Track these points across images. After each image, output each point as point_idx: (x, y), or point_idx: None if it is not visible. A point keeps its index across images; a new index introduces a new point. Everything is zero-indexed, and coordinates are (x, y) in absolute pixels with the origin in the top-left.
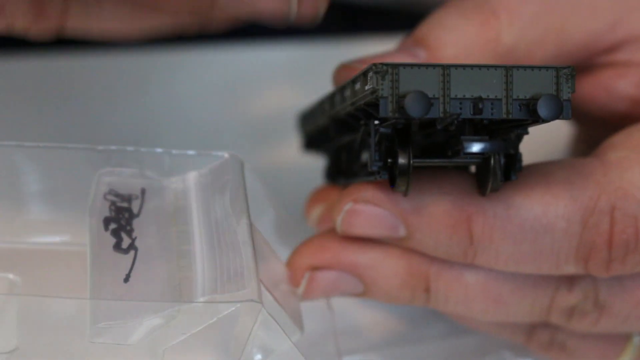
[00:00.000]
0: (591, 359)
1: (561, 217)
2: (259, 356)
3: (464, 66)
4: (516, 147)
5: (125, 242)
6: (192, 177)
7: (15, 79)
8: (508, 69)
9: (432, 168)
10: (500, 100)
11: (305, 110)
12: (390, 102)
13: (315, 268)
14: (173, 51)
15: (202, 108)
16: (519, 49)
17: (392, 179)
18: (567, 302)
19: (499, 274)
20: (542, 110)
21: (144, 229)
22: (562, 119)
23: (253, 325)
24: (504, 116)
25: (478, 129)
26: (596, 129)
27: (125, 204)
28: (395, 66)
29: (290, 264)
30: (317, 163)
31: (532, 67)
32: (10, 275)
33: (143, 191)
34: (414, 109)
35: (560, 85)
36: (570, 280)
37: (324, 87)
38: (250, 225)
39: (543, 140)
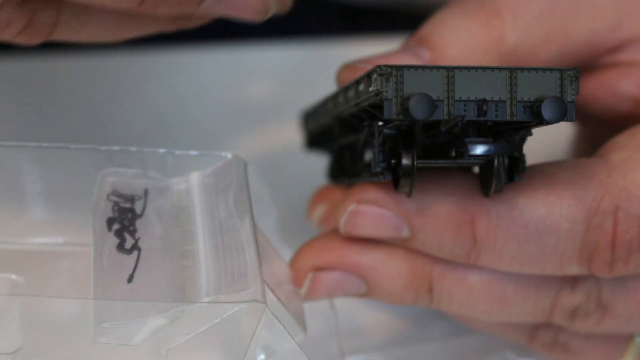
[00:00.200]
0: (594, 359)
1: (565, 218)
2: (262, 356)
3: (468, 68)
4: (520, 149)
5: (129, 242)
6: (195, 177)
7: (17, 79)
8: (512, 71)
9: (436, 169)
10: (504, 102)
11: (309, 109)
12: (394, 104)
13: (318, 268)
14: (176, 51)
15: (204, 108)
16: (523, 49)
17: (396, 179)
18: (570, 303)
19: (502, 274)
20: (546, 112)
21: (147, 230)
22: (566, 120)
23: (257, 326)
24: (508, 118)
25: (482, 131)
26: (599, 129)
27: (128, 205)
28: (400, 68)
29: (293, 264)
30: (319, 163)
31: (536, 69)
32: (13, 276)
33: (146, 191)
34: (418, 111)
35: (565, 87)
36: (573, 281)
37: (326, 87)
38: (254, 226)
39: (546, 141)
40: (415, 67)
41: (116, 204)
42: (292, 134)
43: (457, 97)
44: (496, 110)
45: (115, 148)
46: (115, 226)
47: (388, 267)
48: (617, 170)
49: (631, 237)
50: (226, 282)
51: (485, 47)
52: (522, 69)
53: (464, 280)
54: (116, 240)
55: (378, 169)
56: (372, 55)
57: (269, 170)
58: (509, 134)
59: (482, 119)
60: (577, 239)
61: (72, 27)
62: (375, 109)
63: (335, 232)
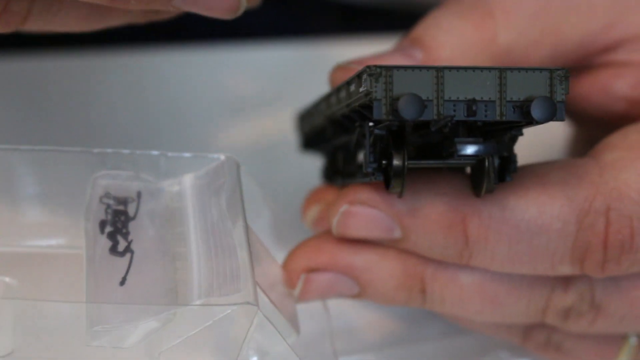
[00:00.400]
0: (587, 359)
1: (556, 218)
2: (254, 358)
3: (457, 68)
4: (510, 149)
5: (122, 245)
6: (188, 179)
7: (8, 81)
8: (502, 71)
9: (427, 169)
10: (494, 102)
11: (303, 110)
12: (384, 104)
13: (311, 270)
14: (172, 51)
15: (200, 109)
16: (515, 50)
17: (387, 180)
18: (563, 303)
19: (494, 274)
20: (536, 112)
21: (140, 232)
22: (556, 120)
23: (249, 328)
24: (498, 118)
25: (472, 131)
26: (593, 129)
27: (121, 207)
28: (389, 68)
29: (286, 265)
30: (313, 165)
31: (525, 69)
32: (6, 279)
33: (139, 194)
34: (407, 111)
35: (554, 87)
36: (566, 281)
37: (323, 87)
38: (247, 227)
39: (539, 141)
40: (405, 68)
41: (109, 206)
42: (288, 135)
43: (446, 97)
44: (486, 110)
45: (108, 150)
46: (108, 229)
47: (380, 268)
48: (609, 170)
49: (623, 237)
50: (218, 285)
51: (478, 48)
52: (512, 69)
53: (456, 280)
54: (109, 243)
55: (369, 170)
56: (365, 56)
57: (262, 172)
58: (499, 134)
59: (471, 119)
60: (568, 239)
61: (44, 17)
62: (365, 110)
63: (327, 234)
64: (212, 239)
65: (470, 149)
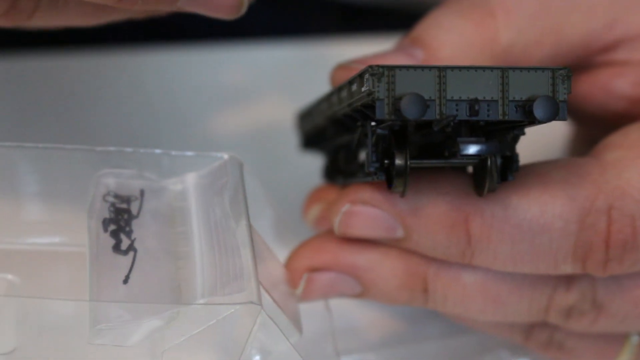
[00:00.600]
0: (589, 358)
1: (558, 217)
2: (257, 357)
3: (460, 68)
4: (513, 148)
5: (125, 243)
6: (191, 178)
7: (12, 79)
8: (504, 71)
9: (429, 169)
10: (496, 101)
11: (304, 109)
12: (386, 104)
13: (313, 269)
14: (173, 50)
15: (201, 108)
16: (516, 49)
17: (390, 180)
18: (565, 302)
19: (497, 274)
20: (538, 111)
21: (143, 230)
22: (558, 120)
23: (252, 327)
24: (500, 117)
25: (474, 130)
26: (594, 128)
27: (124, 205)
28: (392, 68)
29: (288, 265)
30: (315, 164)
31: (528, 69)
32: (9, 276)
33: (142, 192)
34: (410, 111)
35: (556, 86)
36: (568, 280)
37: (323, 87)
38: (249, 227)
39: (540, 140)
40: (407, 67)
41: (112, 204)
42: (289, 134)
43: (449, 97)
44: (488, 110)
45: (111, 149)
46: (111, 227)
47: (383, 267)
48: (611, 169)
49: (625, 236)
50: (222, 284)
51: (478, 47)
52: (514, 69)
53: (458, 280)
54: (112, 241)
55: (371, 169)
56: (366, 56)
57: (264, 171)
58: (502, 133)
59: (474, 118)
60: (570, 238)
61: (50, 13)
62: (367, 109)
63: (330, 233)
64: (215, 238)
65: (472, 149)
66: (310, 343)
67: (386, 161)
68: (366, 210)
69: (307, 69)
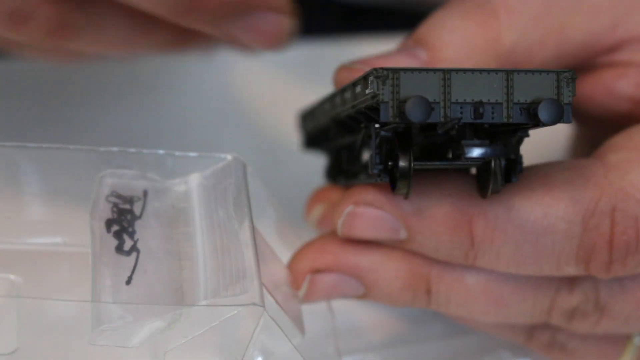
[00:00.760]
0: (591, 359)
1: (562, 219)
2: (259, 359)
3: (464, 70)
4: (517, 150)
5: (128, 244)
6: (194, 179)
7: (17, 79)
8: (509, 73)
9: (433, 170)
10: (501, 104)
11: (306, 109)
12: (391, 107)
13: (316, 271)
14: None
15: (203, 109)
16: (520, 50)
17: (393, 181)
18: (568, 304)
19: (500, 275)
20: (543, 114)
21: (146, 231)
22: (563, 122)
23: (255, 329)
24: (505, 120)
25: (479, 132)
26: (597, 130)
27: (127, 206)
28: (396, 71)
29: (291, 266)
30: (317, 164)
31: (532, 71)
32: (12, 276)
33: (145, 193)
34: (414, 114)
35: (561, 89)
36: (571, 282)
37: (325, 87)
38: (252, 228)
39: (544, 141)
40: (412, 70)
41: (115, 205)
42: (291, 135)
43: (453, 100)
44: (492, 112)
45: (115, 149)
46: (114, 227)
47: (386, 268)
48: (614, 171)
49: (628, 238)
50: (224, 285)
51: (482, 48)
52: (519, 71)
53: (461, 281)
54: (115, 242)
55: (375, 171)
56: (369, 56)
57: (267, 172)
58: (506, 135)
59: (478, 121)
60: (574, 240)
61: (94, 36)
62: (371, 111)
63: (333, 234)
64: (219, 239)
65: (477, 152)
66: (313, 344)
67: (390, 163)
68: (369, 211)
69: (307, 69)
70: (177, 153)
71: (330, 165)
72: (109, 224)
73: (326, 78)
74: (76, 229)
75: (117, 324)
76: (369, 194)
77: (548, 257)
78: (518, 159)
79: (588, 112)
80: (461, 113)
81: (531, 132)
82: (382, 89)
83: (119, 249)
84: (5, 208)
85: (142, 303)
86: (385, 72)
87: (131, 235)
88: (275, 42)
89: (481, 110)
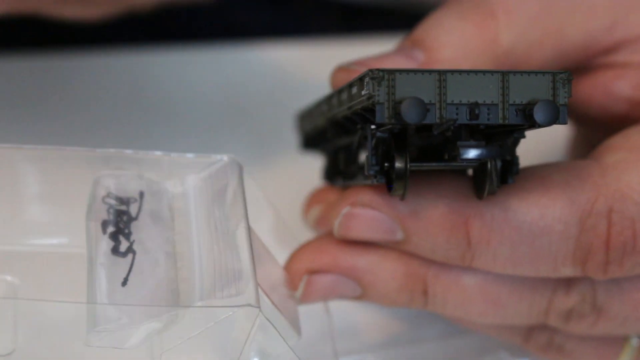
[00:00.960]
0: None
1: (558, 220)
2: None
3: (460, 71)
4: (513, 152)
5: (124, 245)
6: (190, 180)
7: (13, 80)
8: (504, 74)
9: (429, 171)
10: (496, 105)
11: (304, 110)
12: (386, 108)
13: (313, 272)
14: (173, 51)
15: (201, 109)
16: (517, 51)
17: (389, 182)
18: (565, 305)
19: (496, 276)
20: (539, 115)
21: (142, 232)
22: (559, 124)
23: (251, 330)
24: (501, 121)
25: (475, 134)
26: (594, 130)
27: (123, 207)
28: (392, 72)
29: (288, 267)
30: (314, 165)
31: (528, 72)
32: (9, 277)
33: (141, 194)
34: (410, 115)
35: (557, 90)
36: (568, 283)
37: (323, 87)
38: (249, 229)
39: (542, 142)
40: (408, 71)
41: (111, 206)
42: (289, 135)
43: (449, 101)
44: (488, 114)
45: (111, 150)
46: (110, 229)
47: (382, 269)
48: (611, 172)
49: (625, 239)
50: (220, 286)
51: (479, 49)
52: (514, 72)
53: (458, 282)
54: (111, 243)
55: (371, 172)
56: (366, 57)
57: (263, 173)
58: (502, 136)
59: (474, 122)
60: (570, 241)
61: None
62: (367, 113)
63: (329, 235)
64: (215, 240)
65: (473, 153)
66: (309, 344)
67: (386, 164)
68: (366, 212)
69: (307, 69)
70: (173, 154)
71: (327, 166)
72: (105, 225)
73: (325, 78)
74: (73, 230)
75: (113, 325)
76: (366, 195)
77: (545, 258)
78: (514, 160)
79: (586, 113)
80: (457, 114)
81: (528, 133)
82: (378, 90)
83: (115, 250)
84: (2, 209)
85: (138, 304)
86: (380, 73)
87: (127, 236)
88: None
89: (477, 111)
